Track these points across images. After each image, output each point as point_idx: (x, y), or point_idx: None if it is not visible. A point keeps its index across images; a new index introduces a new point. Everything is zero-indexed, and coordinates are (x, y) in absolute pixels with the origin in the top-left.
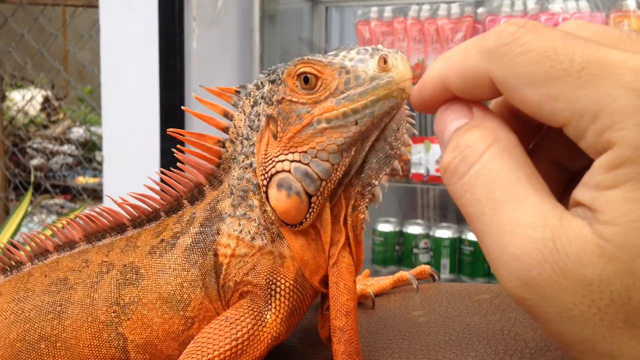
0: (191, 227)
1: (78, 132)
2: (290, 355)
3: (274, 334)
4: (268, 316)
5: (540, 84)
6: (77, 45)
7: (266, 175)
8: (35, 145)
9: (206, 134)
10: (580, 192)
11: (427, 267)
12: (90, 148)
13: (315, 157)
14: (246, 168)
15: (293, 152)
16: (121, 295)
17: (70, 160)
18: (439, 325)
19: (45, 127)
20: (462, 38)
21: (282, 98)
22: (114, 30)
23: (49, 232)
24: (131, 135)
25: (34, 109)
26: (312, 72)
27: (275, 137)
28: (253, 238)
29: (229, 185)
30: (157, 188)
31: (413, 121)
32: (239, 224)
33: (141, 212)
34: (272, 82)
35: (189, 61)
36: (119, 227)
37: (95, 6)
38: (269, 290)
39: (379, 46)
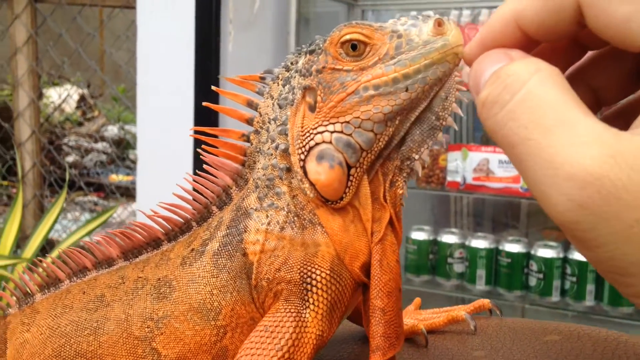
0: (218, 232)
1: (112, 130)
2: None
3: (317, 333)
4: (307, 314)
5: None
6: (114, 46)
7: (304, 149)
8: (70, 143)
9: (229, 129)
10: None
11: (486, 301)
12: (124, 146)
13: (359, 127)
14: (271, 154)
15: (334, 123)
16: (155, 310)
17: (104, 158)
18: None
19: (80, 124)
20: None
21: (323, 67)
22: (150, 31)
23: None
24: (165, 135)
25: (69, 106)
26: (360, 37)
27: (312, 109)
28: (282, 228)
29: (253, 180)
30: (187, 196)
31: (462, 88)
32: (267, 216)
33: (174, 225)
34: (311, 52)
35: (225, 63)
36: (154, 242)
37: (132, 7)
38: (304, 285)
39: (430, 12)
